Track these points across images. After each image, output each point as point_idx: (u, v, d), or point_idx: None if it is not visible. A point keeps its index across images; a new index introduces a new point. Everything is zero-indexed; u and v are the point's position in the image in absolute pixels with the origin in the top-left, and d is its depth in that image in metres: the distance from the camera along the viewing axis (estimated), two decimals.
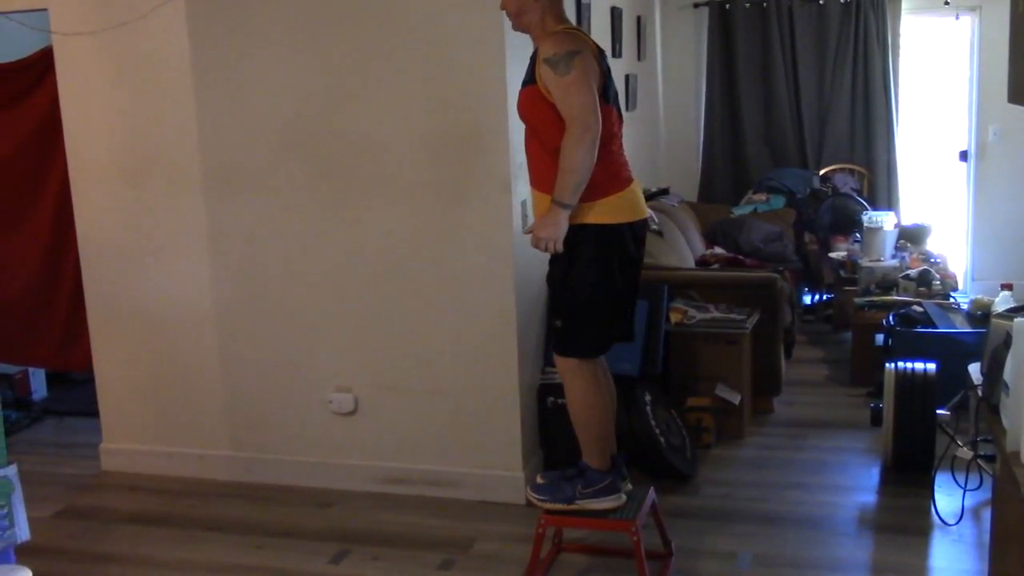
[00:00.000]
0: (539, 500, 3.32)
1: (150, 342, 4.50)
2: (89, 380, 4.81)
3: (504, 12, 3.21)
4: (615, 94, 3.19)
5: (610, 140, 3.13)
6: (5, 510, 2.00)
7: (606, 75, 3.13)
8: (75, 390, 5.66)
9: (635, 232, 3.21)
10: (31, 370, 5.55)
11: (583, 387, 3.22)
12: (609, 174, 3.13)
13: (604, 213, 3.11)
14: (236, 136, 4.19)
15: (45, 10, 4.32)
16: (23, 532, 2.05)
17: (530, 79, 3.10)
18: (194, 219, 4.30)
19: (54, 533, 4.00)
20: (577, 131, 2.96)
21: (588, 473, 3.28)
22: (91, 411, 4.86)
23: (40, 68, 4.64)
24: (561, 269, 3.19)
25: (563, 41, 3.03)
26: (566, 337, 3.22)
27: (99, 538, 4.00)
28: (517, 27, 3.21)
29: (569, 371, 3.23)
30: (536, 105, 3.09)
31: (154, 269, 4.42)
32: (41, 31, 4.38)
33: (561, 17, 3.16)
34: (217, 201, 4.26)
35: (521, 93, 3.17)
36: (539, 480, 3.37)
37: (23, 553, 2.15)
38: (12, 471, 2.01)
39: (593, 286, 3.15)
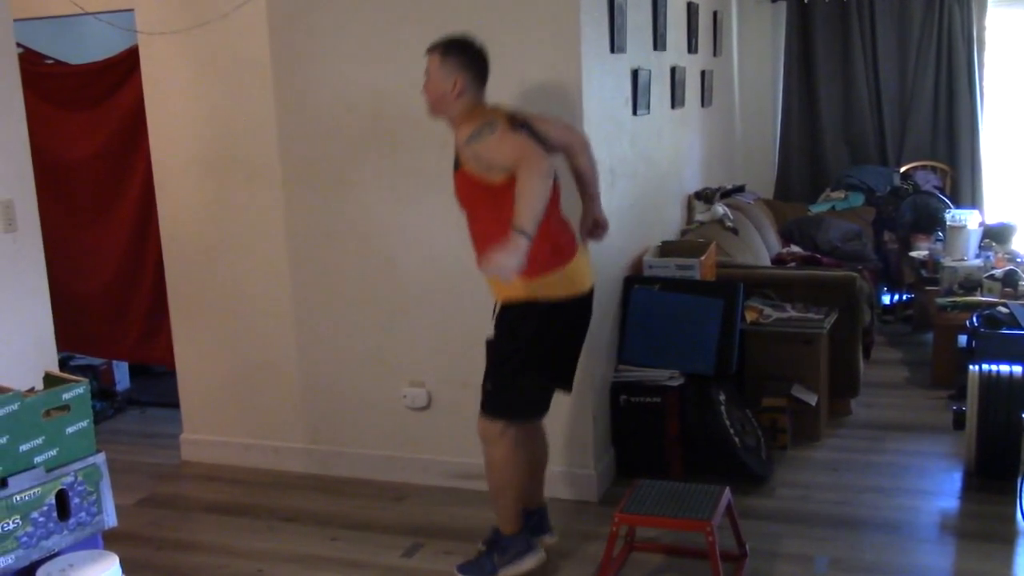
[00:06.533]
0: None
1: (229, 336, 4.59)
2: (170, 372, 4.92)
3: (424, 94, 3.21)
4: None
5: (551, 209, 3.02)
6: (94, 497, 2.05)
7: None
8: (157, 381, 5.80)
9: (581, 302, 3.21)
10: (115, 361, 5.70)
11: (504, 455, 3.25)
12: (552, 247, 3.10)
13: (548, 288, 3.10)
14: (315, 132, 4.25)
15: (131, 10, 4.43)
16: (110, 519, 2.10)
17: (457, 164, 3.11)
18: (273, 214, 4.38)
19: (137, 520, 4.11)
20: (529, 164, 2.88)
21: (502, 542, 3.35)
22: (172, 402, 4.98)
23: (126, 67, 4.75)
24: (501, 338, 3.20)
25: (474, 118, 3.05)
26: (497, 401, 3.23)
27: (180, 526, 4.10)
28: (433, 114, 3.22)
29: (492, 437, 3.25)
30: (470, 188, 3.09)
31: (234, 264, 4.51)
32: (127, 31, 4.49)
33: (480, 101, 3.16)
34: (296, 196, 4.33)
35: (455, 178, 3.16)
36: (465, 560, 3.46)
37: (108, 539, 2.21)
38: (101, 459, 2.06)
39: (530, 361, 3.16)
